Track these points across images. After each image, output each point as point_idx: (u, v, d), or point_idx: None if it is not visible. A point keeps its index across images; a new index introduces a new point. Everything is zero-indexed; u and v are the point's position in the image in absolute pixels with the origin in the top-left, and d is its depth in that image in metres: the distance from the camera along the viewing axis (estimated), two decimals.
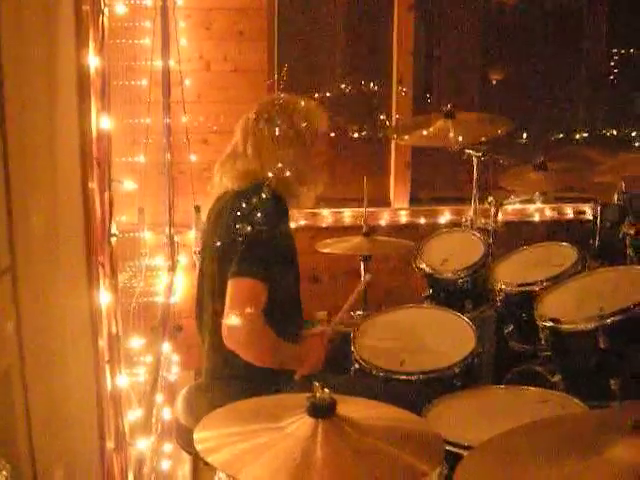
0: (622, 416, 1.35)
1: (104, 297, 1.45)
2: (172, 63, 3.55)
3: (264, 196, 2.45)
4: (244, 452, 1.40)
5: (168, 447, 2.67)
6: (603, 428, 1.40)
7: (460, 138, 3.39)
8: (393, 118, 4.32)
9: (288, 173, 2.53)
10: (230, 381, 2.46)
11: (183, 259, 3.83)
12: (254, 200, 2.45)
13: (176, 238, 3.72)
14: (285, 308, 2.50)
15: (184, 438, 2.46)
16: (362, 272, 3.35)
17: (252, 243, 2.38)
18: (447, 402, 2.28)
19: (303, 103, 2.67)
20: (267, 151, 2.55)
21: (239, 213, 2.44)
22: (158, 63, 3.46)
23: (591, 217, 3.67)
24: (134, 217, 3.24)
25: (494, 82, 4.69)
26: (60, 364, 1.36)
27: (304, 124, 2.59)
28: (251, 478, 1.33)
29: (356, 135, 4.52)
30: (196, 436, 1.49)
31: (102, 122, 1.42)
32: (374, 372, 2.51)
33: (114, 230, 1.51)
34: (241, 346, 2.34)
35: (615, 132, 4.78)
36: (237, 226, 2.41)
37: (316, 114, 2.66)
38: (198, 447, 1.44)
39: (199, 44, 3.83)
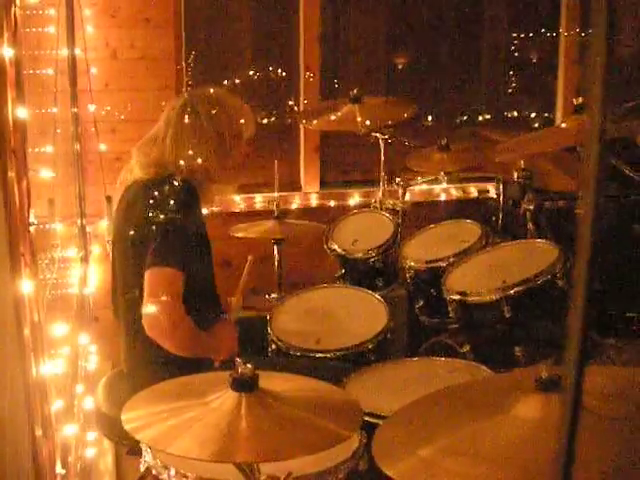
0: (526, 377, 1.45)
1: (26, 286, 1.47)
2: (78, 51, 3.51)
3: (175, 185, 2.46)
4: (172, 428, 1.45)
5: (91, 436, 2.68)
6: (509, 389, 1.49)
7: (367, 122, 3.47)
8: (301, 103, 4.38)
9: (200, 167, 2.54)
10: (150, 368, 2.46)
11: (96, 249, 3.80)
12: (166, 189, 2.45)
13: (88, 229, 3.69)
14: (201, 296, 2.52)
15: (107, 426, 2.47)
16: (275, 255, 3.41)
17: (166, 232, 2.38)
18: (362, 376, 2.35)
19: (233, 102, 2.67)
20: (185, 143, 2.54)
21: (151, 202, 2.44)
22: (64, 51, 3.42)
23: (494, 195, 3.82)
24: (44, 208, 3.22)
25: (400, 66, 4.80)
26: None
27: (228, 124, 2.61)
28: (180, 451, 1.38)
29: (265, 121, 4.55)
30: (124, 417, 1.52)
31: (18, 112, 1.44)
32: (291, 352, 2.57)
33: (32, 219, 1.53)
34: (162, 335, 2.36)
35: (516, 114, 4.95)
36: (150, 215, 2.42)
37: (243, 117, 2.65)
38: (127, 427, 1.47)
39: (105, 32, 3.79)
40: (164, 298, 2.30)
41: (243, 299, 2.72)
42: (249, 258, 2.66)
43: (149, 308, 2.31)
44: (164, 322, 2.32)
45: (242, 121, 2.64)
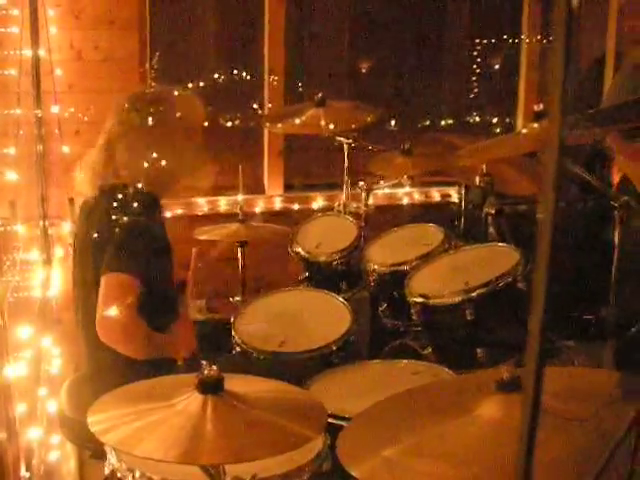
0: (487, 379, 1.48)
1: None
2: (42, 52, 3.49)
3: (133, 191, 2.46)
4: (137, 430, 1.45)
5: (54, 440, 2.66)
6: (471, 391, 1.52)
7: (331, 126, 3.49)
8: (266, 107, 4.39)
9: (158, 166, 2.53)
10: (113, 371, 2.45)
11: (59, 252, 3.77)
12: (124, 195, 2.46)
13: (50, 231, 3.66)
14: (159, 300, 2.52)
15: (70, 430, 2.46)
16: (239, 258, 3.42)
17: (123, 238, 2.39)
18: (326, 378, 2.37)
19: (177, 94, 2.67)
20: (136, 143, 2.54)
21: (110, 208, 2.45)
22: (27, 52, 3.39)
23: (456, 199, 3.86)
24: (5, 210, 3.19)
25: (363, 71, 4.84)
26: None
27: (175, 116, 2.60)
28: (146, 453, 1.39)
29: (229, 124, 4.56)
30: (89, 419, 1.52)
31: None
32: (255, 354, 2.58)
33: None
34: (115, 341, 2.36)
35: (478, 119, 5.02)
36: (108, 221, 2.42)
37: (191, 106, 2.66)
38: (92, 429, 1.48)
39: (69, 33, 3.76)
40: (118, 304, 2.30)
41: (206, 300, 2.72)
42: (194, 250, 2.67)
43: (103, 314, 2.32)
44: (117, 328, 2.33)
45: (189, 111, 2.63)
